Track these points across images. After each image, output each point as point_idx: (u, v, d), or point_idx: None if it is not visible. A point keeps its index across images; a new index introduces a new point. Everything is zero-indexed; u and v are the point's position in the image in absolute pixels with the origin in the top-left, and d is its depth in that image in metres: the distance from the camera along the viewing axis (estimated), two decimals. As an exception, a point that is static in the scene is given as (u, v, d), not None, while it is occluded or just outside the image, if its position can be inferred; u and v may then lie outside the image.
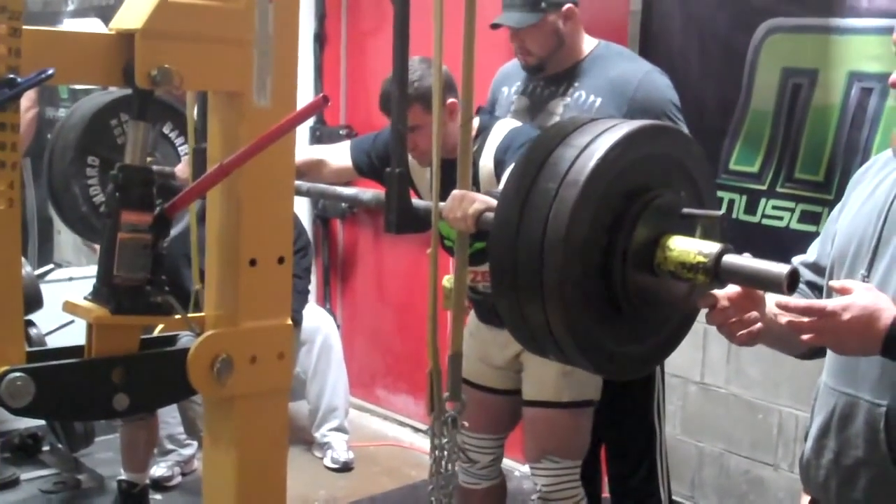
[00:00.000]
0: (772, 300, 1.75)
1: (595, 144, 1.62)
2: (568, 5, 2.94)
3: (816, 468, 1.91)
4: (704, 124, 3.56)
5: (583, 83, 2.94)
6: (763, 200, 3.48)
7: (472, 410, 3.01)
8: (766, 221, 3.47)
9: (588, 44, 3.03)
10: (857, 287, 1.66)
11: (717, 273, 1.59)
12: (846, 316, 1.63)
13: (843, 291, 1.66)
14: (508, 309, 1.70)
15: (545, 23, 2.91)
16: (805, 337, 1.67)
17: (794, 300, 1.64)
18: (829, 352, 1.89)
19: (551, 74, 2.99)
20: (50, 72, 1.32)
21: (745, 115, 3.52)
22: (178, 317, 1.50)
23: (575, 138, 1.65)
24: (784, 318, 1.67)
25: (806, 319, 1.65)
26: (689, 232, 1.68)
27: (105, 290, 1.45)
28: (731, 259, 1.59)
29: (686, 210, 1.71)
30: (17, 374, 1.34)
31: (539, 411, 2.92)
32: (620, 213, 1.63)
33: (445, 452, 1.93)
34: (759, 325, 1.75)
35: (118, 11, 1.46)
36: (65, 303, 1.49)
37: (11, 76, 1.32)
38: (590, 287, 1.62)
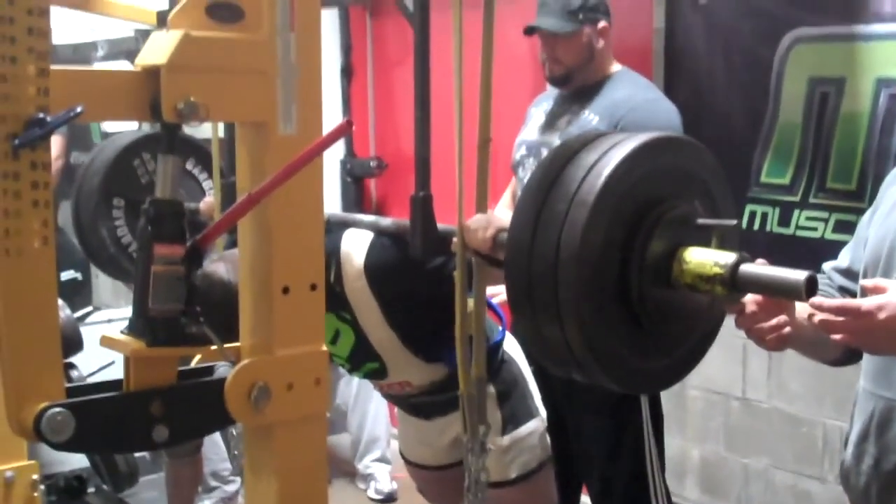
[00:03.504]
0: (804, 304, 1.73)
1: (603, 161, 1.62)
2: (603, 23, 2.97)
3: (857, 474, 1.89)
4: (733, 138, 3.56)
5: (593, 103, 2.96)
6: (796, 212, 3.47)
7: (430, 488, 3.02)
8: (800, 233, 3.45)
9: (613, 67, 3.06)
10: (892, 286, 1.63)
11: (734, 283, 1.58)
12: (881, 315, 1.59)
13: (877, 290, 1.63)
14: (527, 329, 1.69)
15: (581, 34, 2.95)
16: (838, 337, 1.63)
17: (828, 300, 1.62)
18: (865, 355, 1.87)
19: (573, 90, 3.01)
20: (79, 109, 1.33)
21: (773, 126, 3.51)
22: (213, 347, 1.51)
23: (582, 157, 1.65)
24: (817, 317, 1.64)
25: (840, 319, 1.62)
26: (705, 243, 1.67)
27: (141, 323, 1.46)
28: (747, 268, 1.58)
29: (701, 221, 1.70)
30: (58, 409, 1.35)
31: (491, 493, 2.67)
32: (633, 228, 1.63)
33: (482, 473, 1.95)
34: (788, 328, 1.73)
35: (144, 48, 1.48)
36: (102, 337, 1.50)
37: (41, 115, 1.34)
38: (607, 304, 1.62)
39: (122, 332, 1.50)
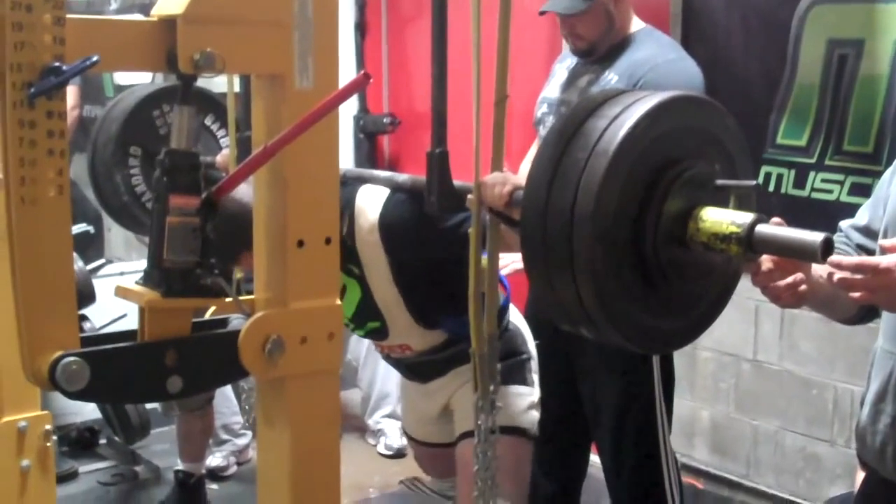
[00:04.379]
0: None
1: (625, 115, 1.61)
2: None
3: (873, 434, 1.89)
4: (750, 99, 3.54)
5: (615, 63, 2.92)
6: (812, 174, 3.45)
7: (427, 462, 3.06)
8: (815, 195, 3.43)
9: (635, 25, 3.01)
10: None
11: (750, 243, 1.57)
12: None
13: (894, 249, 1.62)
14: (539, 283, 1.69)
15: (596, 6, 2.87)
16: (856, 295, 1.62)
17: (846, 258, 1.60)
18: (884, 314, 1.86)
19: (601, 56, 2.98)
20: (95, 58, 1.33)
21: (791, 88, 3.48)
22: (228, 299, 1.51)
23: (605, 109, 1.64)
24: (836, 275, 1.62)
25: (858, 277, 1.60)
26: (723, 204, 1.66)
27: (156, 274, 1.46)
28: (764, 228, 1.57)
29: (720, 182, 1.69)
30: (72, 358, 1.36)
31: (468, 442, 2.59)
32: (651, 185, 1.62)
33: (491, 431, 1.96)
34: (803, 286, 1.72)
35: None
36: (116, 287, 1.51)
37: (57, 64, 1.33)
38: (621, 260, 1.61)
39: (136, 282, 1.51)
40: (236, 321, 1.59)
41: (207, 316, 1.64)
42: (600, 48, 2.95)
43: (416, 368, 2.77)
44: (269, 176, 1.55)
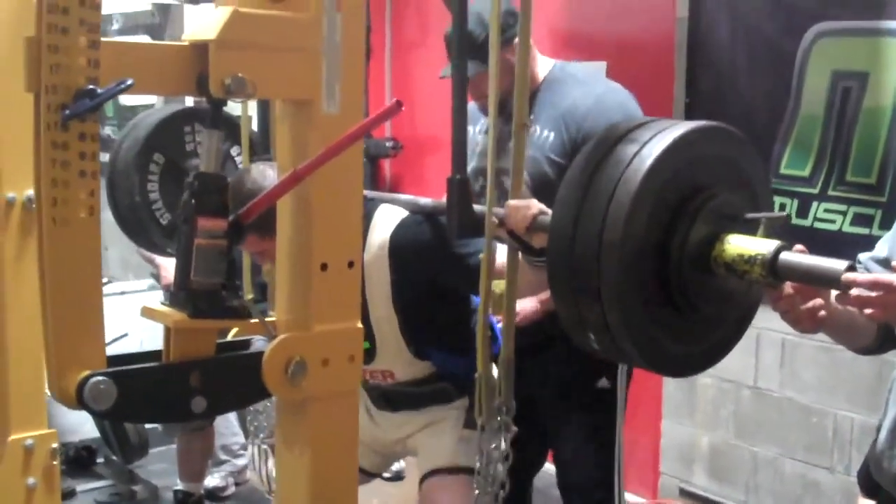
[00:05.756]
0: None
1: (653, 142, 1.64)
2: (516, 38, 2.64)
3: (890, 458, 1.90)
4: (754, 129, 3.57)
5: (538, 116, 2.81)
6: (815, 204, 3.48)
7: None
8: (818, 225, 3.46)
9: (543, 68, 2.92)
10: None
11: (774, 268, 1.60)
12: None
13: None
14: (565, 306, 1.71)
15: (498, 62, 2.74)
16: (869, 311, 1.62)
17: (861, 274, 1.61)
18: None
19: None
20: (129, 82, 1.35)
21: (795, 119, 3.52)
22: (253, 320, 1.53)
23: (634, 135, 1.67)
24: (853, 292, 1.61)
25: (873, 294, 1.60)
26: (750, 234, 1.69)
27: (182, 295, 1.48)
28: (788, 255, 1.60)
29: (750, 215, 1.72)
30: (101, 378, 1.37)
31: (434, 480, 2.64)
32: (678, 210, 1.65)
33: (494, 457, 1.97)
34: (822, 312, 1.74)
35: (191, 24, 1.49)
36: (143, 308, 1.52)
37: (91, 87, 1.35)
38: (647, 286, 1.64)
39: (161, 303, 1.52)
40: (258, 343, 1.61)
41: (230, 337, 1.65)
42: (511, 102, 2.72)
43: (391, 396, 2.71)
44: (293, 199, 1.57)
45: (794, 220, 3.51)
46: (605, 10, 4.27)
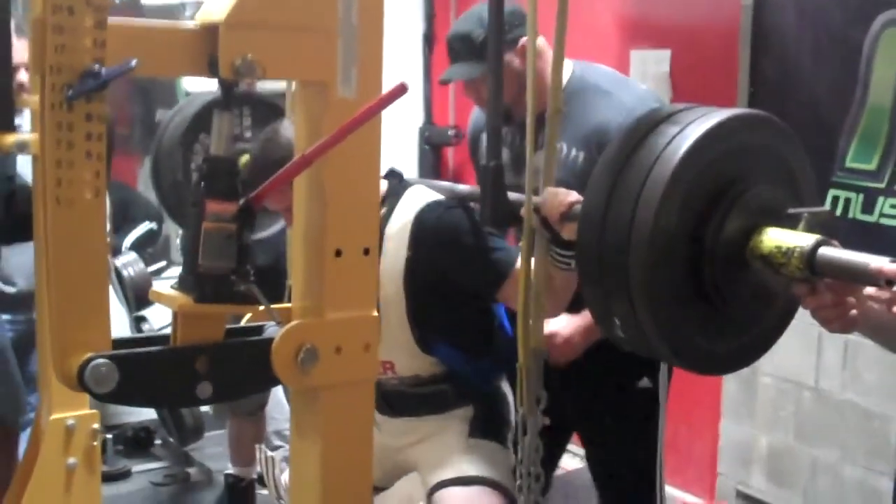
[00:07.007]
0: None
1: (686, 131, 1.58)
2: (523, 40, 2.50)
3: None
4: (820, 120, 3.47)
5: (563, 132, 2.36)
6: (881, 199, 3.36)
7: None
8: (884, 221, 3.34)
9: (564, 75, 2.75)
10: None
11: (812, 263, 1.53)
12: None
13: None
14: (593, 299, 1.67)
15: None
16: None
17: (889, 265, 1.52)
18: None
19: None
20: (133, 62, 1.33)
21: (861, 110, 3.40)
22: (261, 307, 1.50)
23: (666, 126, 1.62)
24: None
25: None
26: (786, 227, 1.62)
27: (190, 279, 1.46)
28: (828, 250, 1.53)
29: (792, 210, 1.65)
30: (102, 360, 1.36)
31: (444, 492, 2.50)
32: (712, 202, 1.59)
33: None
34: (854, 311, 1.66)
35: (203, 5, 1.47)
36: (151, 291, 1.51)
37: (96, 67, 1.33)
38: (678, 279, 1.59)
39: (172, 286, 1.50)
40: (271, 328, 1.59)
41: (243, 323, 1.63)
42: (518, 111, 2.41)
43: (391, 398, 2.58)
44: (308, 184, 1.54)
45: (859, 216, 3.40)
46: (670, -3, 4.18)
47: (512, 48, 2.51)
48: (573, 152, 2.55)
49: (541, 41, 2.48)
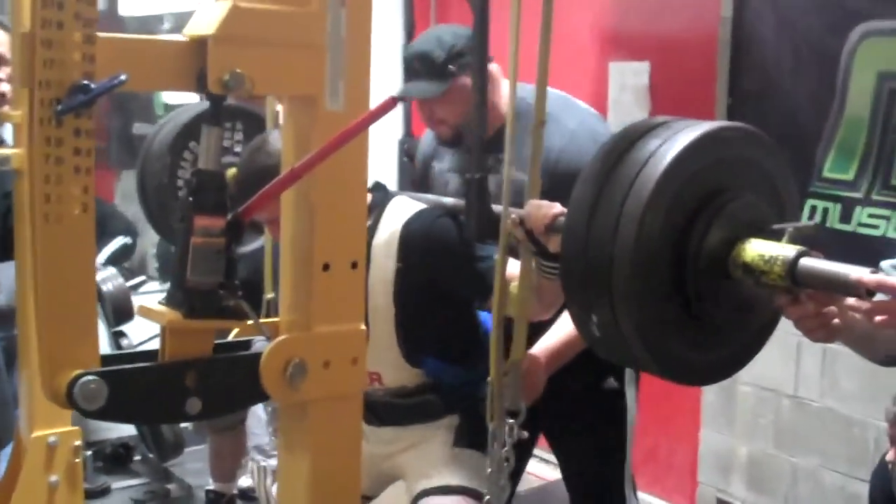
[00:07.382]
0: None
1: (671, 142, 1.59)
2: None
3: None
4: (798, 131, 3.50)
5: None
6: (858, 209, 3.39)
7: None
8: (861, 230, 3.37)
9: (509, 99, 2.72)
10: None
11: (793, 271, 1.54)
12: None
13: None
14: (577, 307, 1.67)
15: (455, 88, 2.55)
16: (878, 319, 1.56)
17: (869, 275, 1.53)
18: None
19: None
20: (122, 77, 1.32)
21: (839, 121, 3.43)
22: (250, 322, 1.50)
23: (650, 137, 1.63)
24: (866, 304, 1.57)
25: (882, 300, 1.54)
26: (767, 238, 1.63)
27: (178, 294, 1.46)
28: (809, 261, 1.54)
29: (776, 226, 1.66)
30: (91, 377, 1.35)
31: (426, 501, 2.47)
32: (695, 213, 1.60)
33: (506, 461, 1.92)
34: (836, 320, 1.67)
35: (192, 18, 1.47)
36: (139, 307, 1.50)
37: (85, 82, 1.33)
38: (661, 290, 1.59)
39: (159, 302, 1.50)
40: (259, 343, 1.58)
41: (231, 338, 1.63)
42: (469, 135, 2.42)
43: (377, 408, 2.55)
44: (296, 198, 1.54)
45: (837, 225, 3.42)
46: (649, 9, 4.19)
47: (468, 70, 2.47)
48: (518, 175, 2.53)
49: (494, 68, 2.55)
